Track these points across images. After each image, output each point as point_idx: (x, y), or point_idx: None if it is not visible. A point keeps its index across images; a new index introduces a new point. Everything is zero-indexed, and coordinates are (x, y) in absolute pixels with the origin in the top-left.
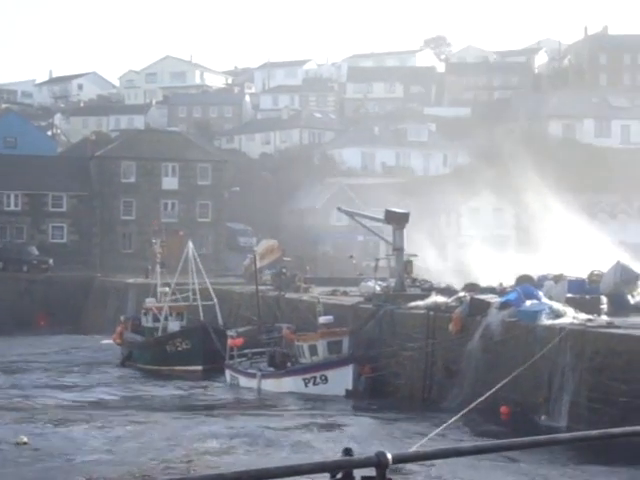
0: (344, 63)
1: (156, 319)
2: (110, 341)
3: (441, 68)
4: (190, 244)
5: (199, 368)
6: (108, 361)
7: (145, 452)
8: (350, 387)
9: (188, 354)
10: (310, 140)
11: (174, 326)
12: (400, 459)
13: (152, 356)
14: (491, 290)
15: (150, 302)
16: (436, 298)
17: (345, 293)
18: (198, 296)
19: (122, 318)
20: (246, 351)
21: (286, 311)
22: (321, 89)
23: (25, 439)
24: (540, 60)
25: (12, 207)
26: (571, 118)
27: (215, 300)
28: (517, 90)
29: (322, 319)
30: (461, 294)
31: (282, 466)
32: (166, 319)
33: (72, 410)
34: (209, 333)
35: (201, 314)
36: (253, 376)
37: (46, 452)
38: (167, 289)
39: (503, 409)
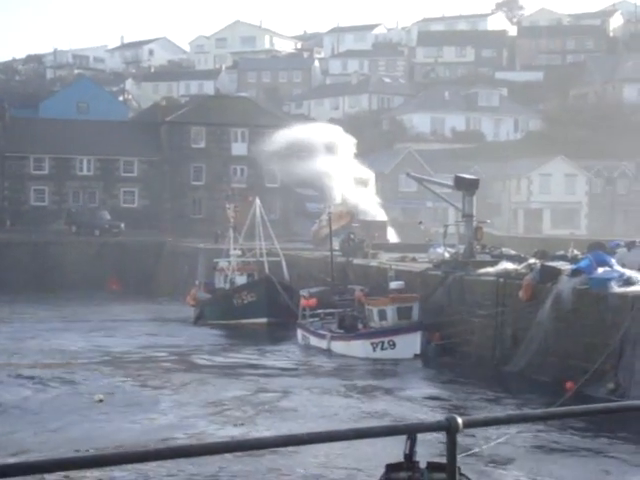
0: (414, 27)
1: (232, 272)
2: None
3: (513, 32)
4: (257, 201)
5: (264, 321)
6: (182, 320)
7: (212, 413)
8: (418, 353)
9: (254, 306)
10: (379, 105)
11: (241, 280)
12: (470, 423)
13: (220, 311)
14: (562, 257)
15: (222, 263)
16: (506, 265)
17: (414, 259)
18: (264, 252)
19: (197, 282)
20: (318, 311)
21: (356, 276)
22: (391, 54)
23: (101, 397)
24: (615, 23)
25: (85, 172)
26: None
27: (282, 256)
28: (591, 54)
29: (393, 284)
30: (531, 261)
31: (353, 429)
32: (233, 273)
33: (144, 369)
34: (274, 286)
35: (266, 268)
36: (323, 337)
37: (119, 411)
38: (239, 252)
39: (569, 384)
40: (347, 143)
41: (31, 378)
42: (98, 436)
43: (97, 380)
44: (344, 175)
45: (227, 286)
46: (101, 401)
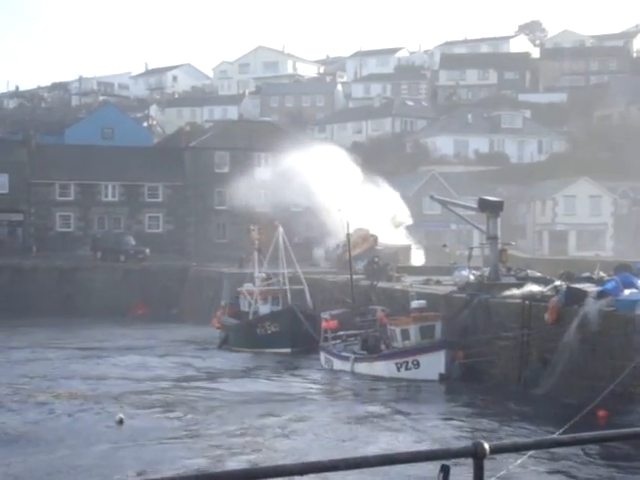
0: (436, 50)
1: (255, 301)
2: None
3: (536, 54)
4: (280, 229)
5: (288, 350)
6: (207, 344)
7: (233, 439)
8: (443, 372)
9: (277, 336)
10: (402, 128)
11: (264, 309)
12: (498, 449)
13: (244, 339)
14: (588, 279)
15: (247, 287)
16: (531, 287)
17: (438, 282)
18: (286, 280)
19: (222, 303)
20: (340, 333)
21: (379, 299)
22: (413, 77)
23: (122, 416)
24: (639, 43)
25: (110, 198)
26: None
27: (305, 284)
28: (615, 75)
29: (414, 303)
30: (557, 283)
31: (379, 455)
32: (257, 302)
33: (166, 393)
34: (297, 316)
35: (289, 297)
36: (347, 359)
37: (139, 432)
38: (263, 274)
39: (601, 413)
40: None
41: (53, 403)
42: (116, 460)
43: (117, 403)
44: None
45: (251, 313)
46: (122, 421)
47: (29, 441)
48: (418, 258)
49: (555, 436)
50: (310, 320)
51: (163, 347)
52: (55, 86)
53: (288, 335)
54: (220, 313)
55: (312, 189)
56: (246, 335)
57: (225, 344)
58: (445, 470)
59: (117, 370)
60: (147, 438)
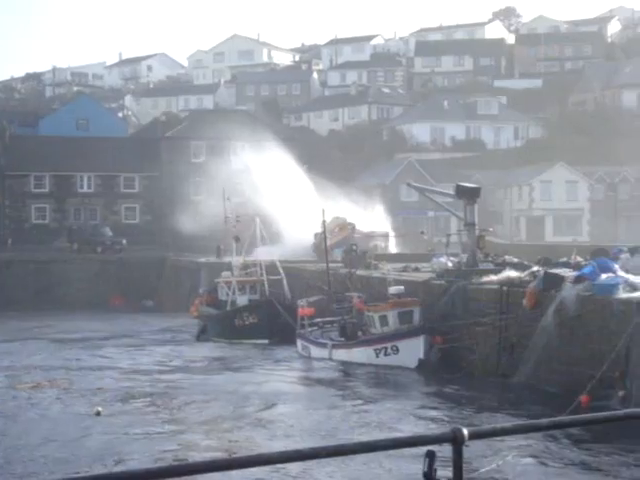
0: (412, 37)
1: (233, 291)
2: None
3: (511, 40)
4: (257, 220)
5: (266, 342)
6: (185, 334)
7: (210, 428)
8: (422, 357)
9: (255, 328)
10: (379, 116)
11: (242, 300)
12: (477, 434)
13: (222, 330)
14: (565, 264)
15: (225, 275)
16: (509, 273)
17: (416, 269)
18: (264, 271)
19: (200, 291)
20: (317, 320)
21: (357, 287)
22: (389, 64)
23: (100, 409)
24: (613, 29)
25: (85, 189)
26: None
27: (282, 274)
28: (589, 60)
29: (392, 289)
30: (535, 268)
31: (358, 442)
32: (234, 293)
33: (145, 383)
34: (275, 307)
35: (266, 288)
36: (324, 346)
37: (116, 423)
38: (240, 262)
39: (584, 398)
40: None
41: (31, 393)
42: (96, 450)
43: (94, 394)
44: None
45: (229, 303)
46: (99, 414)
47: (4, 430)
48: (395, 245)
49: (534, 420)
50: (288, 310)
51: (140, 338)
52: (28, 77)
53: (266, 326)
54: (198, 302)
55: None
56: (224, 326)
57: (203, 334)
58: (430, 456)
59: (95, 361)
60: (123, 430)
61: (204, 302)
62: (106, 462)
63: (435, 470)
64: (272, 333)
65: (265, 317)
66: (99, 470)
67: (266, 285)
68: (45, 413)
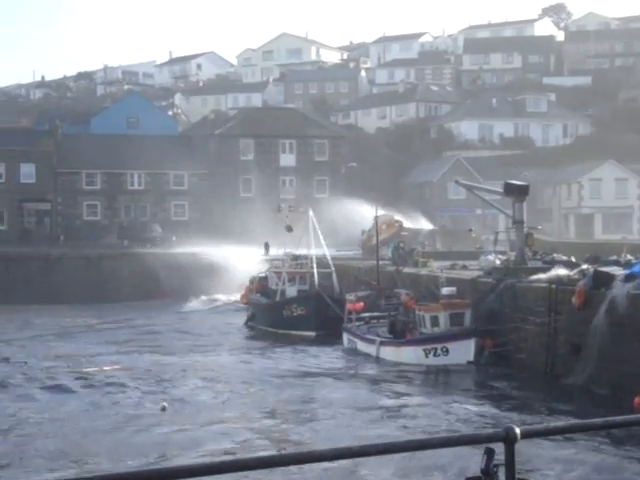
0: (460, 35)
1: (282, 282)
2: None
3: (560, 37)
4: (310, 212)
5: (312, 334)
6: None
7: (257, 423)
8: (472, 360)
9: (303, 319)
10: (426, 113)
11: (291, 291)
12: (529, 433)
13: (270, 319)
14: (615, 262)
15: (276, 265)
16: (558, 271)
17: (464, 267)
18: (314, 263)
19: (251, 278)
20: (364, 315)
21: (405, 284)
22: (437, 62)
23: (165, 404)
24: None
25: (136, 186)
26: None
27: (332, 268)
28: None
29: (445, 290)
30: (584, 266)
31: (409, 440)
32: (284, 283)
33: (202, 373)
34: (324, 299)
35: (316, 280)
36: (372, 342)
37: (181, 418)
38: (292, 254)
39: (637, 400)
40: None
41: (94, 385)
42: (161, 445)
43: (157, 386)
44: None
45: (278, 293)
46: (164, 409)
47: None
48: (442, 243)
49: (587, 420)
50: (336, 303)
51: (192, 330)
52: (81, 76)
53: (314, 319)
54: (248, 289)
55: None
56: (272, 316)
57: (251, 321)
58: (489, 453)
59: (152, 352)
60: (185, 424)
61: (254, 290)
62: (167, 454)
63: (495, 467)
64: (319, 326)
65: (313, 309)
66: (161, 463)
67: (316, 277)
68: (110, 406)
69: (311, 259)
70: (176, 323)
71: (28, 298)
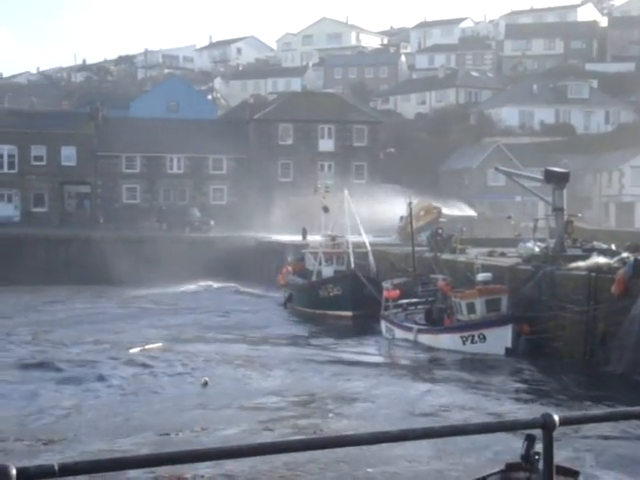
0: (502, 20)
1: (319, 262)
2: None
3: (603, 22)
4: (346, 193)
5: (349, 314)
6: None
7: (296, 406)
8: (509, 346)
9: (339, 299)
10: (466, 99)
11: (328, 271)
12: (567, 421)
13: (307, 299)
14: None
15: (313, 245)
16: (598, 259)
17: (503, 254)
18: (350, 244)
19: (289, 259)
20: (401, 302)
21: (443, 270)
22: (478, 47)
23: (207, 379)
24: None
25: (175, 170)
26: None
27: (369, 248)
28: None
29: (481, 276)
30: (624, 255)
31: (447, 425)
32: (320, 264)
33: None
34: (360, 280)
35: (352, 261)
36: (409, 329)
37: (222, 393)
38: (329, 232)
39: None
40: None
41: (138, 362)
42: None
43: (198, 363)
44: None
45: (315, 273)
46: (206, 384)
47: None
48: (480, 230)
49: (625, 408)
50: (372, 283)
51: (231, 311)
52: (121, 59)
53: (350, 298)
54: (285, 271)
55: None
56: (309, 296)
57: (289, 302)
58: (530, 439)
59: (195, 329)
60: (224, 400)
61: (291, 271)
62: (208, 430)
63: (537, 454)
64: (355, 305)
65: (349, 289)
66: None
67: (352, 257)
68: (154, 381)
69: (347, 241)
70: (211, 305)
71: (67, 279)
